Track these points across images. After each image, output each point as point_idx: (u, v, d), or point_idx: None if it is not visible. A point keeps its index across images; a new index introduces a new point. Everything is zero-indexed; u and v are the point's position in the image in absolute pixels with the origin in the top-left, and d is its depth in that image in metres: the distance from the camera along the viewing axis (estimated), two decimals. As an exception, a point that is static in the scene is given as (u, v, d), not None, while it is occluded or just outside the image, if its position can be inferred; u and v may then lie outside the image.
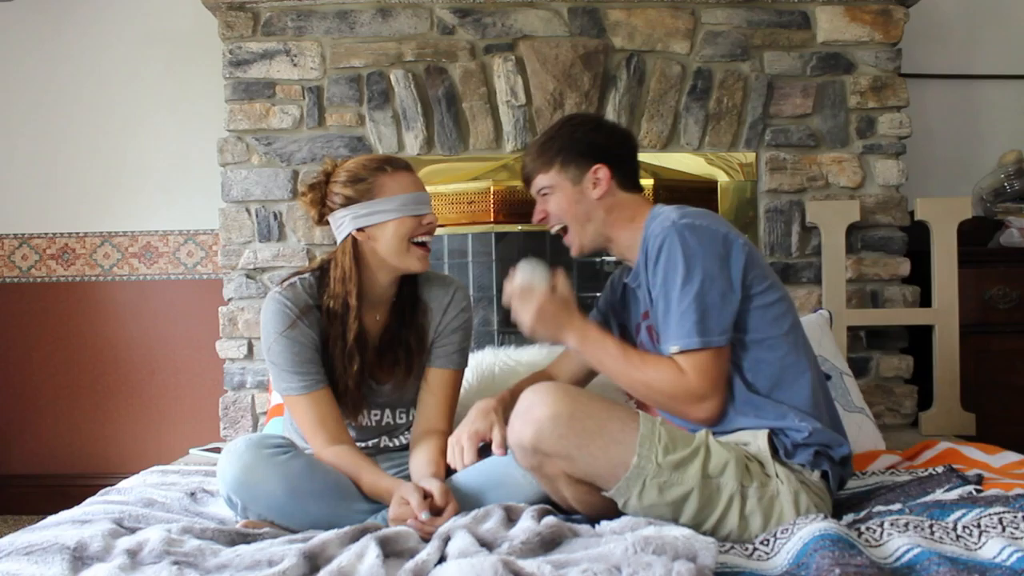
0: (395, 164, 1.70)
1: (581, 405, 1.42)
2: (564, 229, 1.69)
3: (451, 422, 1.76)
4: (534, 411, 1.40)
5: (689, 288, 1.47)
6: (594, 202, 1.64)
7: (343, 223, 1.68)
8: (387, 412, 1.79)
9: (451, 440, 1.61)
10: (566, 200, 1.65)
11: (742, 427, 1.50)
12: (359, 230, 1.67)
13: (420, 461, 1.64)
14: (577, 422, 1.39)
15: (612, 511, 1.45)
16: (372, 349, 1.73)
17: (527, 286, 1.56)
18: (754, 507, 1.40)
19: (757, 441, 1.46)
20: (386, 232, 1.66)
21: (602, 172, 1.63)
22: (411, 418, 1.80)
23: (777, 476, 1.42)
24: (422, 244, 1.69)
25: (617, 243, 1.67)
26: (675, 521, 1.39)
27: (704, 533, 1.38)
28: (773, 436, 1.46)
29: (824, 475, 1.47)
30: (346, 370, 1.68)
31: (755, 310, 1.52)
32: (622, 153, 1.69)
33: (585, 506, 1.49)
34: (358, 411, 1.74)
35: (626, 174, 1.67)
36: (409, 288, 1.78)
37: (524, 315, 1.54)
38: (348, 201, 1.67)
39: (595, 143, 1.66)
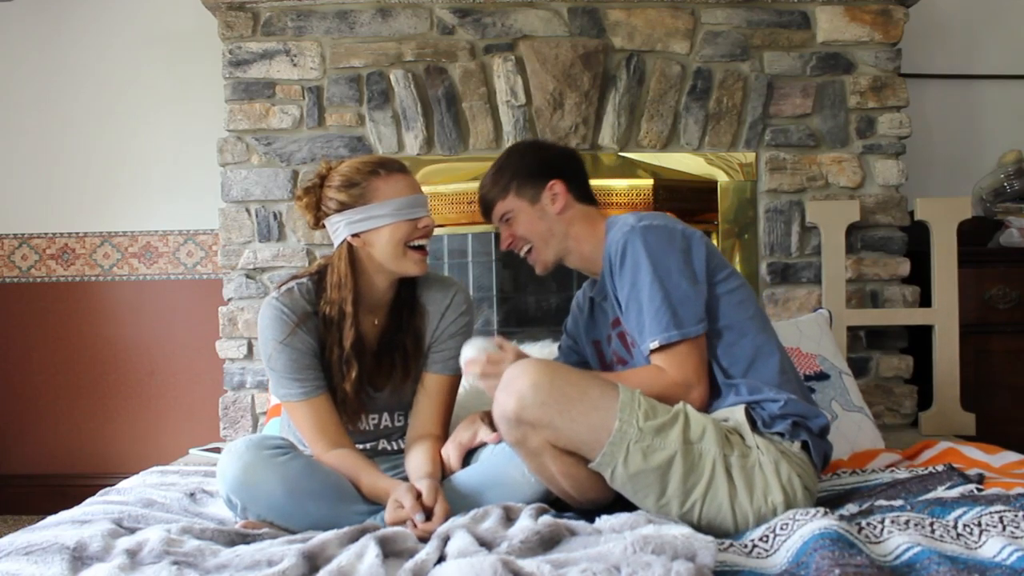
0: (389, 167, 1.67)
1: (561, 375, 1.46)
2: (530, 250, 1.75)
3: (446, 427, 1.76)
4: (516, 382, 1.43)
5: (658, 285, 1.54)
6: (555, 217, 1.72)
7: (338, 228, 1.66)
8: (385, 416, 1.78)
9: (442, 452, 1.65)
10: (529, 220, 1.72)
11: (720, 408, 1.54)
12: (354, 235, 1.64)
13: (415, 462, 1.63)
14: (557, 389, 1.42)
15: (601, 491, 1.48)
16: (370, 354, 1.71)
17: (481, 358, 1.54)
18: (738, 476, 1.43)
19: (735, 415, 1.50)
20: (381, 237, 1.64)
21: (558, 187, 1.72)
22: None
23: (757, 447, 1.46)
24: (419, 247, 1.67)
25: (579, 254, 1.74)
26: (663, 493, 1.42)
27: (695, 507, 1.42)
28: (750, 410, 1.50)
29: (805, 446, 1.50)
30: (344, 377, 1.66)
31: (721, 297, 1.60)
32: (572, 167, 1.77)
33: (573, 482, 1.50)
34: (357, 417, 1.72)
35: (580, 186, 1.76)
36: (407, 290, 1.75)
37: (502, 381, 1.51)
38: (342, 206, 1.64)
39: (544, 162, 1.74)
